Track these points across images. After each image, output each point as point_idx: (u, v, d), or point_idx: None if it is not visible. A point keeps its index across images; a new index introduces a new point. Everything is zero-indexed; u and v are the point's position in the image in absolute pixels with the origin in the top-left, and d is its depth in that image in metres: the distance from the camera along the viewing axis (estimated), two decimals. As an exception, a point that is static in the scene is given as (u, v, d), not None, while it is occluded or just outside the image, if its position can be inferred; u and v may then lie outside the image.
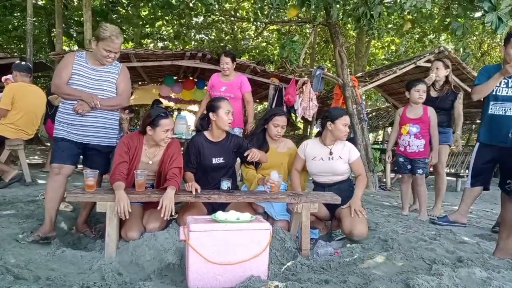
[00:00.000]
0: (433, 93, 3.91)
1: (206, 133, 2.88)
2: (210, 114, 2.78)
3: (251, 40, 14.76)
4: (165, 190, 2.36)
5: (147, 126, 2.54)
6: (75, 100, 2.53)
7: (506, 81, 3.08)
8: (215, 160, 2.78)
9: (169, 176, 2.49)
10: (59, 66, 2.65)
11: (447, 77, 3.93)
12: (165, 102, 10.14)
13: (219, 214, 2.05)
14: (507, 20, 3.86)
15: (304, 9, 5.53)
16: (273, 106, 7.06)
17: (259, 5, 8.61)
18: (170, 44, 13.56)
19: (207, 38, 14.01)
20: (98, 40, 2.54)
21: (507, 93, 3.07)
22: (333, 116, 2.94)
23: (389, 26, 10.73)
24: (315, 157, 3.00)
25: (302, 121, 11.81)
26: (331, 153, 2.96)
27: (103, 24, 2.60)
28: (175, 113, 12.32)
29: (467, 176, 3.47)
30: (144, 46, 13.25)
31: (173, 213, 2.32)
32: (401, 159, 3.79)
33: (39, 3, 9.26)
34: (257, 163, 3.02)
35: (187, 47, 12.75)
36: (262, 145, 3.10)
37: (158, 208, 2.29)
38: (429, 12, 5.85)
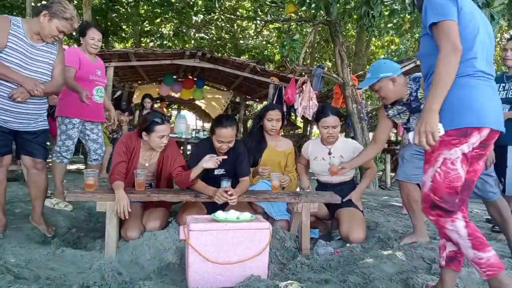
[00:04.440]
0: None
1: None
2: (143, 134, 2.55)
3: (251, 39, 14.75)
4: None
5: (142, 131, 2.50)
6: (8, 81, 2.20)
7: (503, 85, 3.10)
8: (216, 171, 2.72)
9: (176, 174, 2.52)
10: None
11: None
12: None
13: (219, 214, 2.05)
14: (498, 18, 3.84)
15: (304, 7, 5.52)
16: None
17: (260, 2, 8.59)
18: (169, 43, 13.54)
19: (207, 37, 14.00)
20: (52, 16, 2.24)
21: (501, 96, 3.09)
22: (317, 117, 2.98)
23: (389, 25, 10.72)
24: (316, 157, 3.00)
25: (302, 121, 11.81)
26: (330, 153, 2.95)
27: (62, 1, 2.30)
28: (174, 112, 12.31)
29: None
30: (143, 44, 13.24)
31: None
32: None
33: (39, 4, 9.28)
34: (255, 162, 3.01)
35: (187, 46, 12.75)
36: (260, 143, 3.09)
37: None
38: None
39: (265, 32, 14.81)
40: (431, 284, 1.80)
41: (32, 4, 7.91)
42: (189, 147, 9.22)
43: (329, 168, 2.68)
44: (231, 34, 14.08)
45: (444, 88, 1.44)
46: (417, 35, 12.22)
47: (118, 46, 13.16)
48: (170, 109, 12.19)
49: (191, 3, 10.27)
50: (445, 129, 1.44)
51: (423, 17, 1.57)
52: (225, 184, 2.59)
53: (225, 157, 2.50)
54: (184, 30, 12.99)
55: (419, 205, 2.58)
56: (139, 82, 9.95)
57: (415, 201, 2.56)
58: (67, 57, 2.96)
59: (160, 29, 13.72)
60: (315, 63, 12.63)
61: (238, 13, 12.13)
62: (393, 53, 14.75)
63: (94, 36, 3.22)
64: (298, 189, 3.16)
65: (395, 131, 12.54)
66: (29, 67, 2.28)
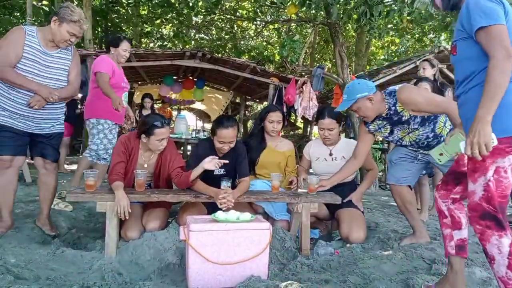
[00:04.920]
0: None
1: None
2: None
3: (251, 39, 14.76)
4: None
5: (142, 134, 2.50)
6: (25, 89, 2.29)
7: None
8: (217, 171, 2.69)
9: (175, 176, 2.51)
10: (4, 43, 2.25)
11: (435, 75, 3.95)
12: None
13: (219, 214, 2.05)
14: None
15: (304, 8, 5.53)
16: (273, 105, 7.06)
17: (260, 3, 8.58)
18: (169, 43, 13.55)
19: (207, 37, 14.00)
20: (61, 21, 2.30)
21: None
22: (316, 118, 2.99)
23: (389, 26, 10.72)
24: (318, 158, 3.01)
25: (302, 121, 11.81)
26: (331, 154, 2.96)
27: (69, 4, 2.36)
28: (174, 113, 12.31)
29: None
30: (143, 45, 13.25)
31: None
32: None
33: (39, 4, 9.28)
34: (253, 163, 3.00)
35: (187, 46, 12.75)
36: (260, 143, 3.10)
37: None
38: (429, 13, 5.86)
39: (265, 33, 14.81)
40: (430, 284, 1.80)
41: (34, 2, 7.92)
42: (189, 147, 9.22)
43: (308, 186, 2.68)
44: (232, 34, 14.08)
45: (499, 97, 1.37)
46: (417, 35, 12.25)
47: (118, 47, 13.12)
48: (171, 109, 12.20)
49: (191, 4, 10.29)
50: (498, 137, 1.39)
51: (464, 20, 1.50)
52: (225, 184, 2.59)
53: (227, 161, 2.50)
54: (184, 31, 12.99)
55: (414, 206, 2.59)
56: (139, 82, 9.96)
57: (409, 203, 2.56)
58: (101, 65, 3.31)
59: (160, 30, 13.72)
60: (315, 63, 12.64)
61: (238, 13, 12.13)
62: (393, 54, 14.77)
63: (126, 48, 3.52)
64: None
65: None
66: (44, 74, 2.36)
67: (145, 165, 2.62)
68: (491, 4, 1.43)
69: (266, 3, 9.00)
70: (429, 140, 2.42)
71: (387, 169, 6.61)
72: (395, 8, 5.23)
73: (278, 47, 11.06)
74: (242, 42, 14.51)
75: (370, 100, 2.35)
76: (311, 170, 3.22)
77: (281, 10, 10.43)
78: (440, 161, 1.90)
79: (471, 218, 1.52)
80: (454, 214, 1.72)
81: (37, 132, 2.45)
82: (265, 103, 9.91)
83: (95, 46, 8.08)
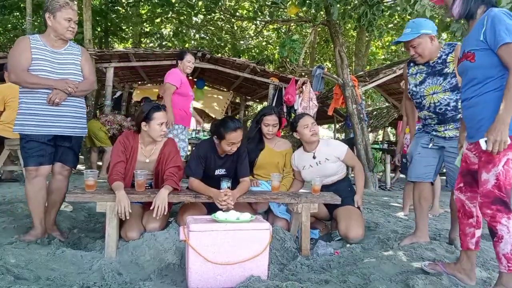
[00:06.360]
0: None
1: (216, 143, 2.70)
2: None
3: (251, 39, 14.75)
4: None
5: (141, 123, 2.51)
6: (43, 88, 2.34)
7: None
8: (217, 171, 2.72)
9: (166, 176, 2.49)
10: (13, 53, 2.36)
11: None
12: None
13: (219, 214, 2.05)
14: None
15: (304, 8, 5.54)
16: (273, 105, 7.07)
17: (260, 3, 8.58)
18: (169, 43, 13.54)
19: (207, 37, 13.99)
20: (53, 13, 2.35)
21: None
22: (294, 124, 3.01)
23: (389, 26, 10.72)
24: (304, 166, 3.01)
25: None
26: (314, 157, 2.95)
27: None
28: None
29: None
30: (143, 45, 13.24)
31: (165, 213, 2.32)
32: (405, 160, 3.77)
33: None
34: (251, 162, 3.00)
35: (187, 46, 12.74)
36: (258, 145, 3.10)
37: (151, 208, 2.28)
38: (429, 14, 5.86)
39: (265, 33, 14.81)
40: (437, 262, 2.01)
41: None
42: (189, 147, 9.20)
43: (312, 187, 2.70)
44: (231, 34, 14.08)
45: None
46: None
47: (118, 47, 13.16)
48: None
49: (192, 3, 10.28)
50: None
51: (487, 33, 1.69)
52: (225, 185, 2.59)
53: None
54: (184, 31, 12.98)
55: (427, 203, 2.63)
56: (139, 82, 9.95)
57: (424, 199, 2.59)
58: (171, 76, 3.88)
59: (160, 30, 13.71)
60: (315, 63, 12.63)
61: (237, 13, 12.13)
62: (393, 53, 14.77)
63: (190, 60, 4.03)
64: None
65: (394, 132, 12.53)
66: (58, 71, 2.41)
67: (147, 160, 2.61)
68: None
69: (266, 3, 9.00)
70: (448, 108, 2.41)
71: (387, 170, 6.64)
72: (398, 8, 5.22)
73: (278, 47, 11.06)
74: (241, 42, 14.50)
75: (431, 40, 2.39)
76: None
77: (281, 10, 10.44)
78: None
79: (483, 204, 1.73)
80: (479, 215, 1.88)
81: (60, 133, 2.44)
82: (265, 103, 9.91)
83: (95, 46, 8.08)
